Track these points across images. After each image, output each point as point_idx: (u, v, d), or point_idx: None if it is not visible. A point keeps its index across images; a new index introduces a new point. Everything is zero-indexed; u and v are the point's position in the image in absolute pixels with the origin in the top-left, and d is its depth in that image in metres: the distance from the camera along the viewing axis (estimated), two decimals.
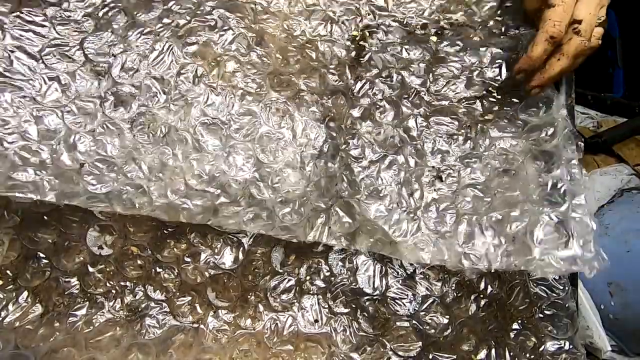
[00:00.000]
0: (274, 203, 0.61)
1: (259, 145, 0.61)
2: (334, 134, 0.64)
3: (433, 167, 0.64)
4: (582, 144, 0.65)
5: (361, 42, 0.68)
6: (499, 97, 0.67)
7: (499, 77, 0.68)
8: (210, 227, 0.66)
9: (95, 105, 0.60)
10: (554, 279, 0.68)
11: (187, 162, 0.60)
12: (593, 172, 0.87)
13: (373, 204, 0.62)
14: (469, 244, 0.61)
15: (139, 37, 0.63)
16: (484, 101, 0.67)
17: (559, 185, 0.63)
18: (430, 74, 0.68)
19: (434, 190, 0.63)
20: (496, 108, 0.67)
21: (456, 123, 0.66)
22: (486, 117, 0.67)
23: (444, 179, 0.64)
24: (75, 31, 0.62)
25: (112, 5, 0.63)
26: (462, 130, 0.66)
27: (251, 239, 0.67)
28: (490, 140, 0.66)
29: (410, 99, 0.67)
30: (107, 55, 0.62)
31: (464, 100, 0.67)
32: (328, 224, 0.62)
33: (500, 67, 0.68)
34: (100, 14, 0.63)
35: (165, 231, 0.66)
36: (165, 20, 0.63)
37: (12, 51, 0.60)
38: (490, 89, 0.68)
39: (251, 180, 0.60)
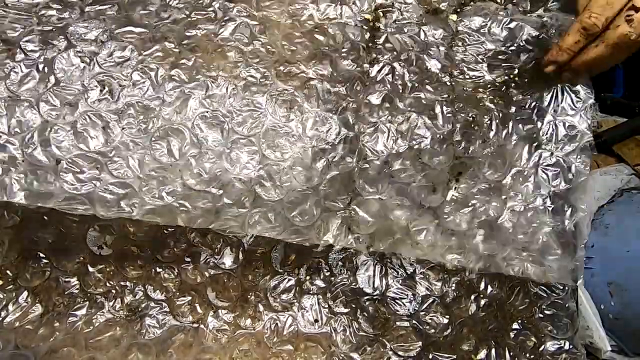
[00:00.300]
0: (282, 204, 0.57)
1: (265, 140, 0.57)
2: (350, 125, 0.59)
3: (457, 159, 0.61)
4: (590, 159, 0.64)
5: (375, 24, 0.63)
6: (525, 82, 0.64)
7: (524, 60, 0.64)
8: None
9: (78, 94, 0.54)
10: None
11: (185, 159, 0.55)
12: (593, 172, 0.86)
13: (394, 202, 0.59)
14: (485, 247, 0.61)
15: (133, 28, 0.58)
16: (510, 87, 0.63)
17: (565, 197, 0.62)
18: (452, 58, 0.63)
19: (455, 187, 0.61)
20: (520, 97, 0.63)
21: (483, 112, 0.62)
22: (510, 107, 0.63)
23: (465, 176, 0.61)
24: (59, 18, 0.56)
25: None
26: (486, 121, 0.62)
27: (251, 239, 0.67)
28: (510, 134, 0.62)
29: (432, 85, 0.62)
30: (95, 42, 0.56)
31: (489, 86, 0.63)
32: (346, 224, 0.59)
33: (526, 49, 0.64)
34: (90, 4, 0.58)
35: (165, 231, 0.66)
36: (163, 15, 0.59)
37: None
38: (515, 73, 0.64)
39: (256, 179, 0.56)
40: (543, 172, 0.63)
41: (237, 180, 0.56)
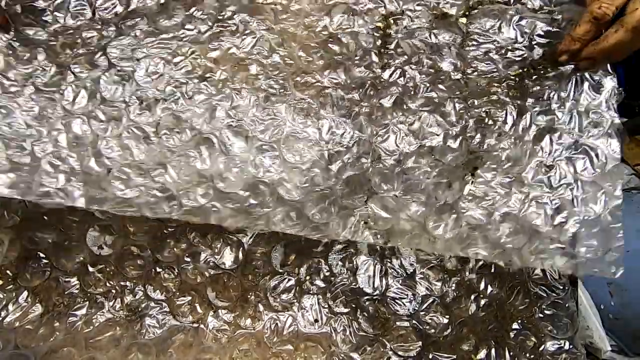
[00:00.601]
0: (302, 203, 0.60)
1: (285, 145, 0.61)
2: (364, 128, 0.62)
3: (471, 154, 0.62)
4: (621, 143, 0.62)
5: (387, 30, 0.65)
6: (541, 74, 0.64)
7: (539, 52, 0.64)
8: (211, 227, 0.66)
9: (121, 109, 0.61)
10: (554, 278, 0.69)
11: (215, 165, 0.60)
12: None
13: (410, 199, 0.60)
14: (507, 240, 0.60)
15: (162, 42, 0.63)
16: (525, 80, 0.64)
17: (596, 184, 0.61)
18: (464, 56, 0.64)
19: (472, 181, 0.62)
20: (537, 88, 0.64)
21: (498, 106, 0.63)
22: (527, 99, 0.63)
23: (482, 170, 0.62)
24: (99, 38, 0.62)
25: (134, 11, 0.63)
26: (501, 115, 0.63)
27: (251, 239, 0.67)
28: (529, 126, 0.63)
29: (444, 84, 0.63)
30: (131, 59, 0.62)
31: (504, 80, 0.64)
32: (363, 221, 0.61)
33: (539, 42, 0.64)
34: (123, 19, 0.63)
35: (165, 231, 0.66)
36: (188, 26, 0.64)
37: (47, 65, 0.61)
38: (530, 66, 0.64)
39: (279, 181, 0.60)
40: (569, 160, 0.62)
41: (261, 182, 0.60)
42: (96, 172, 0.59)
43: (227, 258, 0.66)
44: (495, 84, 0.64)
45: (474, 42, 0.65)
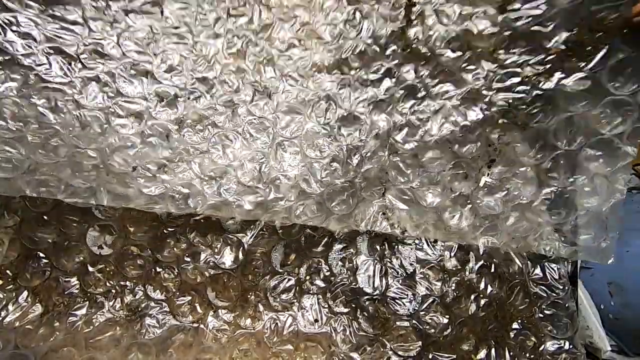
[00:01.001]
0: (323, 196, 0.62)
1: (305, 140, 0.62)
2: (383, 120, 0.63)
3: (489, 146, 0.62)
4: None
5: None
6: (587, 50, 0.58)
7: (597, 19, 0.57)
8: (210, 227, 0.66)
9: (141, 106, 0.60)
10: (554, 278, 0.68)
11: (238, 161, 0.62)
12: None
13: (426, 190, 0.62)
14: (517, 228, 0.62)
15: (178, 37, 0.61)
16: (563, 62, 0.59)
17: (606, 178, 0.61)
18: (499, 24, 0.58)
19: (488, 173, 0.63)
20: (579, 74, 0.59)
21: (524, 95, 0.60)
22: (560, 83, 0.59)
23: (499, 162, 0.62)
24: (110, 27, 0.59)
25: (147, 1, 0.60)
26: (528, 105, 0.60)
27: (251, 239, 0.67)
28: (553, 116, 0.60)
29: (467, 70, 0.60)
30: (147, 54, 0.60)
31: (539, 58, 0.58)
32: (381, 212, 0.63)
33: (601, 6, 0.56)
34: (136, 8, 0.60)
35: (165, 231, 0.66)
36: (200, 17, 0.61)
37: (50, 53, 0.58)
38: (576, 43, 0.58)
39: (300, 176, 0.62)
40: (587, 154, 0.61)
41: (283, 177, 0.62)
42: (121, 170, 0.60)
43: (227, 258, 0.66)
44: (529, 66, 0.59)
45: (512, 8, 0.57)
